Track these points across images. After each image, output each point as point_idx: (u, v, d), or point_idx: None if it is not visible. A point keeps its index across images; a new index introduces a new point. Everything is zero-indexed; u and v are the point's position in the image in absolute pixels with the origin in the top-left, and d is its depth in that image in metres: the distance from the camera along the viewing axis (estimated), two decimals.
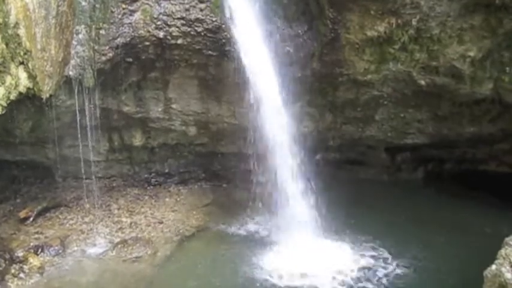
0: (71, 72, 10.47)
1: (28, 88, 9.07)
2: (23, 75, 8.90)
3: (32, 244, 11.26)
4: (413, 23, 11.05)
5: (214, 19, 11.02)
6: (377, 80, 12.21)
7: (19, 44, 8.59)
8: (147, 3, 10.90)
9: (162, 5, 10.93)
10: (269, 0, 11.26)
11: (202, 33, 11.13)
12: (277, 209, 11.72)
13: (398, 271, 10.46)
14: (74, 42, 10.46)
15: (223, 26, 11.03)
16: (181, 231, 12.23)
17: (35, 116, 11.72)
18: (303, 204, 11.51)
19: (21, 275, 10.24)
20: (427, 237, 11.64)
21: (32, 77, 9.03)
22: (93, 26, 10.65)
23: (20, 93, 9.00)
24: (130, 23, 10.91)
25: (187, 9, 10.97)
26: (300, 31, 11.73)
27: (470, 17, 10.88)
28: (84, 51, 10.57)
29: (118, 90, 12.20)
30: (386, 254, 11.06)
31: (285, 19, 11.58)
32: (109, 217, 12.78)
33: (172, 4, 10.95)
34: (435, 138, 13.66)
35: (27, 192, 13.65)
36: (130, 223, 12.50)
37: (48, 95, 9.69)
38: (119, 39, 10.86)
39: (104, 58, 10.83)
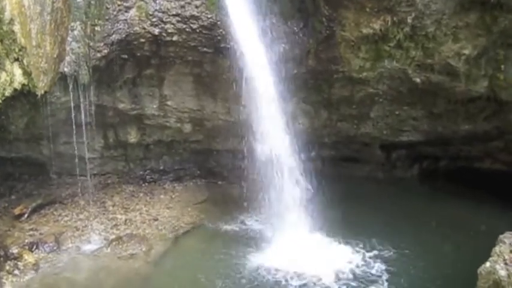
0: (66, 69, 10.47)
1: (23, 84, 9.05)
2: (18, 71, 8.88)
3: (26, 241, 11.24)
4: (409, 20, 11.05)
5: (209, 16, 11.03)
6: (372, 77, 12.21)
7: (14, 40, 8.57)
8: (143, 0, 10.88)
9: (157, 1, 10.94)
10: None
11: (198, 30, 11.14)
12: (272, 206, 11.72)
13: (392, 268, 10.46)
14: (69, 39, 10.45)
15: (219, 22, 11.03)
16: (176, 228, 12.25)
17: (29, 113, 11.71)
18: (297, 201, 11.51)
19: (16, 271, 10.22)
20: (422, 234, 11.66)
21: (27, 73, 9.01)
22: (89, 23, 10.65)
23: (15, 90, 8.98)
24: (125, 20, 10.91)
25: (182, 6, 10.98)
26: (295, 28, 11.73)
27: (466, 15, 10.88)
28: (79, 47, 10.57)
29: (113, 87, 12.20)
30: (381, 251, 11.08)
31: (281, 16, 11.59)
32: (104, 214, 12.78)
33: (167, 1, 10.95)
34: (430, 135, 13.68)
35: (22, 188, 13.65)
36: (125, 220, 12.49)
37: (43, 92, 9.66)
38: (114, 35, 10.86)
39: (99, 55, 10.84)
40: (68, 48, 10.45)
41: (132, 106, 12.74)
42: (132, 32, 10.95)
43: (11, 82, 8.80)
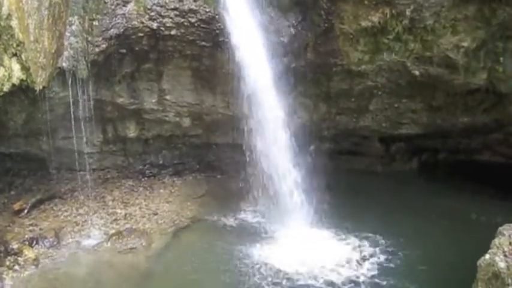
0: (64, 64, 10.44)
1: (21, 80, 9.06)
2: (16, 66, 8.88)
3: (26, 236, 11.23)
4: (408, 13, 11.05)
5: (207, 10, 11.01)
6: (371, 70, 12.21)
7: (12, 35, 8.57)
8: None
9: None
10: None
11: (196, 24, 11.12)
12: (271, 200, 11.73)
13: (392, 261, 10.49)
14: (67, 34, 10.43)
15: (217, 16, 11.01)
16: (175, 222, 12.24)
17: (28, 108, 11.68)
18: (297, 194, 11.52)
19: (16, 267, 10.23)
20: (422, 227, 11.68)
21: (25, 68, 9.02)
22: (87, 17, 10.62)
23: (13, 85, 8.99)
24: (123, 14, 10.88)
25: (180, 0, 10.95)
26: (293, 21, 11.72)
27: (464, 7, 10.89)
28: (77, 42, 10.54)
29: (112, 82, 12.18)
30: (380, 244, 11.09)
31: (279, 9, 11.57)
32: (104, 209, 12.77)
33: None
34: (429, 128, 13.68)
35: (22, 184, 13.63)
36: (125, 214, 12.49)
37: (41, 87, 9.67)
38: (112, 30, 10.84)
39: (97, 49, 10.81)
40: (66, 43, 10.43)
41: (130, 101, 12.72)
42: (130, 26, 10.93)
43: (9, 77, 8.82)
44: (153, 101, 12.87)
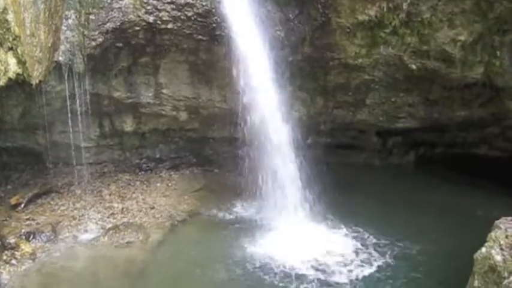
0: (60, 58, 10.43)
1: (17, 74, 9.03)
2: (12, 61, 8.86)
3: (23, 230, 11.21)
4: (404, 6, 11.05)
5: (204, 3, 10.98)
6: (368, 64, 12.22)
7: (8, 29, 8.54)
8: None
9: None
10: None
11: (193, 18, 11.09)
12: (269, 194, 11.73)
13: (388, 254, 10.51)
14: (64, 28, 10.41)
15: (214, 10, 10.99)
16: (172, 216, 12.24)
17: (25, 102, 11.66)
18: (294, 188, 11.52)
19: (13, 261, 10.22)
20: (418, 220, 11.72)
21: (21, 62, 8.99)
22: (83, 11, 10.60)
23: (10, 79, 8.96)
24: (120, 8, 10.85)
25: None
26: (290, 15, 11.70)
27: (461, 1, 10.88)
28: (73, 36, 10.52)
29: (108, 76, 12.15)
30: (377, 238, 11.11)
31: (276, 3, 11.55)
32: (100, 203, 12.76)
33: None
34: (426, 122, 13.71)
35: (18, 178, 13.60)
36: (122, 209, 12.49)
37: (37, 81, 9.63)
38: (108, 24, 10.80)
39: (93, 43, 10.78)
40: (62, 37, 10.40)
41: (127, 94, 12.70)
42: (126, 20, 10.90)
43: (6, 72, 8.80)
44: (150, 94, 12.85)
